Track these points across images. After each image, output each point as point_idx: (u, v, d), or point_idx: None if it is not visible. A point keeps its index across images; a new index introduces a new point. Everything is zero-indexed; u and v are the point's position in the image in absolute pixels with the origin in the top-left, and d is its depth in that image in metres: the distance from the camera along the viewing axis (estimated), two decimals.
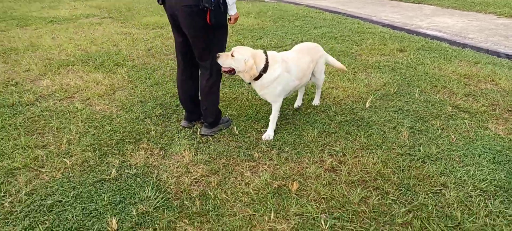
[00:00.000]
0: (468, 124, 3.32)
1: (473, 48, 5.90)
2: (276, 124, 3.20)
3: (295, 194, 2.41)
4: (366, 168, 2.68)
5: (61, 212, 2.26)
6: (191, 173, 2.66)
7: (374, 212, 2.25)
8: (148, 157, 2.86)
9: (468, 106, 3.65)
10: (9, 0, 11.93)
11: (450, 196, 2.36)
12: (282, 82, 3.01)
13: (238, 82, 4.40)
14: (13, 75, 4.69)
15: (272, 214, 2.22)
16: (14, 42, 6.44)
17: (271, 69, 2.94)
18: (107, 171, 2.67)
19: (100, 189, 2.47)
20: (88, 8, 10.44)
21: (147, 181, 2.57)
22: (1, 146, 3.01)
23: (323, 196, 2.38)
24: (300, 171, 2.67)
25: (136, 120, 3.45)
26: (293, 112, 3.60)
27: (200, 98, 3.20)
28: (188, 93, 3.24)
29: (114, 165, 2.74)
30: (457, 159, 2.79)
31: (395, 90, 4.09)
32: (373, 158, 2.78)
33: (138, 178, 2.59)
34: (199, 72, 3.16)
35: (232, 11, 2.84)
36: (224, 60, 2.89)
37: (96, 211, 2.26)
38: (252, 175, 2.64)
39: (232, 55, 2.87)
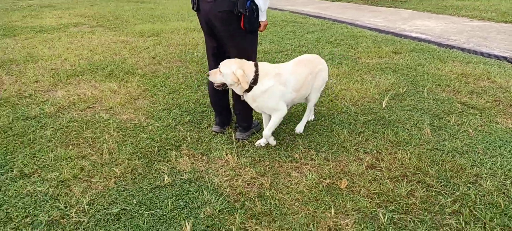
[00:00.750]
0: (480, 119, 3.61)
1: (458, 49, 6.29)
2: (276, 128, 3.10)
3: (346, 191, 2.58)
4: (403, 164, 2.88)
5: (130, 220, 2.30)
6: (241, 175, 2.77)
7: (424, 203, 2.44)
8: (193, 163, 2.94)
9: (475, 103, 3.95)
10: None
11: (486, 185, 2.59)
12: (275, 95, 2.93)
13: None
14: (24, 87, 4.60)
15: (332, 211, 2.37)
16: (9, 53, 6.26)
17: (262, 81, 2.88)
18: (159, 177, 2.73)
19: (160, 195, 2.54)
20: (73, 17, 10.21)
21: (202, 185, 2.65)
22: (42, 158, 3.00)
23: (373, 192, 2.56)
24: (343, 169, 2.83)
25: (168, 127, 3.51)
26: (317, 114, 3.77)
27: (233, 102, 3.31)
28: (220, 97, 3.34)
29: (164, 172, 2.80)
30: (481, 152, 3.04)
31: (404, 90, 4.35)
32: (407, 154, 2.99)
33: (192, 183, 2.67)
34: None
35: (263, 17, 2.98)
36: (214, 77, 2.90)
37: (165, 217, 2.32)
38: (299, 175, 2.78)
39: (220, 71, 2.86)
